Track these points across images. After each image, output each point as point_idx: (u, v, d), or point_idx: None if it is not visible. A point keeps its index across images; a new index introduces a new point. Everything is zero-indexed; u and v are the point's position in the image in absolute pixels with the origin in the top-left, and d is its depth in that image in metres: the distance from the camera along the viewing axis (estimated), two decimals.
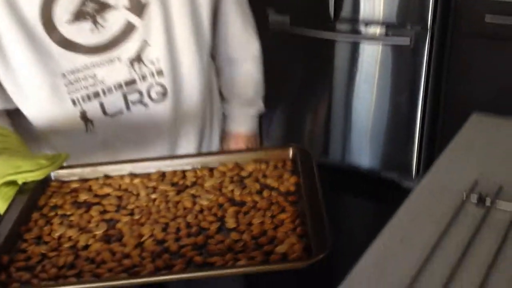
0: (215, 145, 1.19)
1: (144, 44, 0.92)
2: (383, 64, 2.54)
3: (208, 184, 0.79)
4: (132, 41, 0.91)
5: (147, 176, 0.82)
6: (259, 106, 1.25)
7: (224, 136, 1.24)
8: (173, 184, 0.80)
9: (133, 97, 0.96)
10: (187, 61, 0.99)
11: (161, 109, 0.99)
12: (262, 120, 3.07)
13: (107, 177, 0.82)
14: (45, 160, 0.77)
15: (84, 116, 0.93)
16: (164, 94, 0.98)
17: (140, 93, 0.96)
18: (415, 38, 2.39)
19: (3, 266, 0.64)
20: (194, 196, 0.77)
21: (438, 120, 2.58)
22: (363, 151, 2.76)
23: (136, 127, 0.98)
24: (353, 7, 2.50)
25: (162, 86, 0.97)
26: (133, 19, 0.90)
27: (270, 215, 0.72)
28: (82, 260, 0.66)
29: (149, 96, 0.97)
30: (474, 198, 0.94)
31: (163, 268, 0.63)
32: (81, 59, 0.89)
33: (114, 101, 0.94)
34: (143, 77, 0.95)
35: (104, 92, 0.92)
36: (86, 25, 0.87)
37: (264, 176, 0.81)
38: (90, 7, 0.86)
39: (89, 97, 0.92)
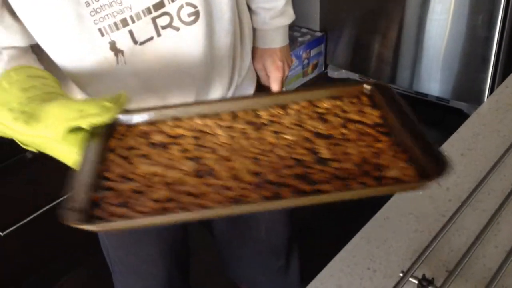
0: (247, 65, 1.11)
1: None
2: None
3: (286, 121, 0.74)
4: None
5: (218, 116, 0.77)
6: (290, 14, 1.17)
7: (256, 52, 1.17)
8: (249, 123, 0.75)
9: (163, 21, 0.89)
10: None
11: (194, 31, 0.91)
12: (328, 42, 2.98)
13: (175, 119, 0.77)
14: (108, 102, 0.70)
15: (113, 47, 0.87)
16: (195, 14, 0.90)
17: (170, 16, 0.89)
18: None
19: (96, 204, 0.61)
20: (275, 132, 0.72)
21: None
22: (433, 77, 2.63)
23: (168, 53, 0.92)
24: None
25: (193, 5, 0.89)
26: None
27: (365, 145, 0.67)
28: (179, 193, 0.61)
29: (180, 19, 0.90)
30: None
31: (271, 198, 0.59)
32: None
33: (143, 28, 0.88)
34: None
35: (132, 19, 0.86)
36: None
37: (344, 111, 0.75)
38: None
39: (116, 26, 0.85)
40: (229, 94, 1.04)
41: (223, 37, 0.97)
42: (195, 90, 0.97)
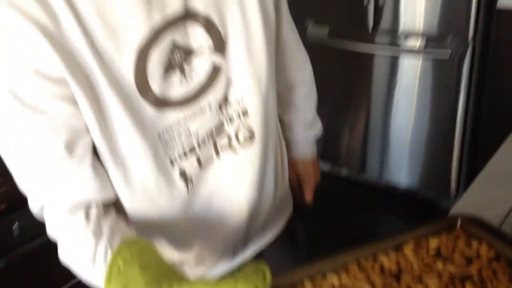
0: (286, 177, 1.13)
1: (228, 82, 0.88)
2: (422, 77, 2.45)
3: (415, 266, 0.79)
4: (219, 82, 0.87)
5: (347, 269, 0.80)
6: (319, 126, 1.23)
7: (289, 163, 1.17)
8: (383, 272, 0.80)
9: (222, 141, 0.91)
10: (271, 96, 0.96)
11: (250, 154, 0.94)
12: None
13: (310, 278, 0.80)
14: (259, 282, 0.66)
15: (184, 175, 0.88)
16: (251, 137, 0.93)
17: (229, 137, 0.91)
18: (455, 51, 2.30)
19: None
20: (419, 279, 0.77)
21: (479, 137, 2.47)
22: (401, 169, 2.67)
23: (226, 177, 0.93)
24: (393, 18, 2.44)
25: (249, 128, 0.93)
26: (217, 59, 0.86)
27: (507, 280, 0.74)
28: None
29: (238, 140, 0.92)
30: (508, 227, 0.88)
31: None
32: (173, 115, 0.84)
33: (207, 152, 0.90)
34: (230, 120, 0.91)
35: (199, 145, 0.88)
36: (175, 76, 0.83)
37: (454, 247, 0.82)
38: (178, 55, 0.82)
39: (185, 154, 0.87)
40: (273, 208, 1.06)
41: (273, 158, 1.00)
42: (246, 215, 0.98)
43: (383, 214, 2.67)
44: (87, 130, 0.80)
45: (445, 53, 2.32)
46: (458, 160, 2.47)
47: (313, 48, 2.61)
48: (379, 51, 2.53)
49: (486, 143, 2.44)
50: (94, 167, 0.81)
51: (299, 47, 1.13)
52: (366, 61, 2.59)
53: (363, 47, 2.54)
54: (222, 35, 0.86)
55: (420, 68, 2.44)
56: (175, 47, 0.82)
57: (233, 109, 0.90)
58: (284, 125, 1.18)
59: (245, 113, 0.91)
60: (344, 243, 0.82)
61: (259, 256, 1.06)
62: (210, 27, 0.84)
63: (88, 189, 0.81)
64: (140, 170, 0.85)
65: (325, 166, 2.97)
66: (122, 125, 0.80)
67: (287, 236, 1.12)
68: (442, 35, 2.32)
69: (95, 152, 0.82)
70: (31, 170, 0.79)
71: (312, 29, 2.65)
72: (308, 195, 1.21)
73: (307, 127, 1.20)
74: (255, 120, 0.93)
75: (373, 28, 2.49)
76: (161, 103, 0.82)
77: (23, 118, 0.75)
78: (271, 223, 1.07)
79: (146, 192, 0.87)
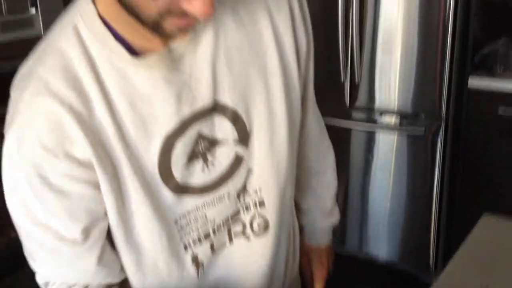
0: (297, 264, 1.12)
1: (248, 172, 0.90)
2: (398, 153, 2.53)
3: None
4: (240, 173, 0.89)
5: None
6: (337, 215, 1.21)
7: (303, 249, 1.18)
8: None
9: (236, 228, 0.92)
10: (289, 187, 0.97)
11: (263, 243, 0.95)
12: None
13: None
14: None
15: (195, 260, 0.89)
16: (266, 227, 0.94)
17: (244, 225, 0.93)
18: (429, 128, 2.40)
19: None
20: None
21: (454, 211, 2.54)
22: (380, 241, 2.71)
23: (238, 263, 0.94)
24: (369, 96, 2.54)
25: (264, 218, 0.94)
26: (240, 150, 0.88)
27: None
28: None
29: (252, 228, 0.93)
30: None
31: None
32: (192, 201, 0.86)
33: (221, 237, 0.91)
34: (247, 208, 0.92)
35: (214, 232, 0.89)
36: (198, 165, 0.84)
37: None
38: (202, 145, 0.84)
39: (200, 240, 0.88)
40: None
41: (285, 246, 1.01)
42: None
43: (363, 286, 2.68)
44: (105, 214, 0.81)
45: (419, 130, 2.41)
46: (435, 234, 2.53)
47: None
48: (356, 127, 2.61)
49: (461, 218, 2.51)
50: (103, 253, 0.82)
51: (323, 137, 1.14)
52: (344, 136, 2.67)
53: (341, 123, 2.62)
54: (247, 128, 0.87)
55: (396, 143, 2.52)
56: (200, 137, 0.84)
57: (250, 198, 0.91)
58: (300, 211, 1.18)
59: (261, 203, 0.92)
60: None
61: None
62: (236, 119, 0.86)
63: (92, 276, 0.82)
64: (153, 254, 0.85)
65: None
66: (140, 210, 0.81)
67: None
68: (416, 113, 2.42)
69: (108, 233, 0.83)
70: (41, 246, 0.80)
71: None
72: (319, 285, 1.19)
73: (324, 216, 1.19)
74: (270, 211, 0.93)
75: (350, 105, 2.59)
76: (182, 189, 0.84)
77: (44, 197, 0.76)
78: None
79: (156, 274, 0.87)
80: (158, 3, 0.68)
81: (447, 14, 2.26)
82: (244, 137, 0.87)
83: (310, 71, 0.99)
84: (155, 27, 0.73)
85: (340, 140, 2.68)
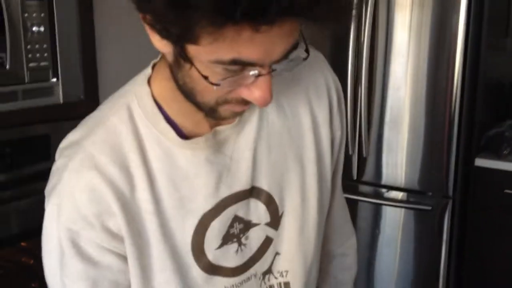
0: None
1: (275, 255, 0.91)
2: (405, 228, 2.55)
3: None
4: (267, 254, 0.90)
5: None
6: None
7: None
8: None
9: None
10: (314, 270, 0.97)
11: None
12: None
13: None
14: None
15: None
16: None
17: None
18: (436, 206, 2.42)
19: None
20: None
21: (462, 284, 2.53)
22: None
23: None
24: (376, 171, 2.58)
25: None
26: (271, 232, 0.89)
27: None
28: None
29: None
30: None
31: None
32: (221, 282, 0.86)
33: None
34: None
35: None
36: (232, 247, 0.86)
37: None
38: (237, 228, 0.85)
39: None
40: None
41: None
42: None
43: None
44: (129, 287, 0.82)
45: (426, 206, 2.44)
46: None
47: None
48: (363, 201, 2.64)
49: None
50: None
51: (347, 221, 1.14)
52: (351, 209, 2.67)
53: (348, 196, 2.63)
54: (279, 212, 0.89)
55: (403, 219, 2.54)
56: (236, 220, 0.85)
57: (275, 280, 0.92)
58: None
59: (287, 284, 0.93)
60: None
61: None
62: (270, 203, 0.88)
63: None
64: None
65: None
66: (167, 287, 0.82)
67: None
68: (423, 190, 2.45)
69: None
70: None
71: None
72: None
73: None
74: None
75: (357, 178, 2.62)
76: (213, 270, 0.85)
77: (73, 265, 0.78)
78: None
79: None
80: (218, 91, 0.70)
81: (454, 96, 2.33)
82: (275, 220, 0.89)
83: (340, 160, 1.02)
84: (210, 112, 0.75)
85: None
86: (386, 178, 2.55)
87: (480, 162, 2.42)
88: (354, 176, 2.62)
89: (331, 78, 0.96)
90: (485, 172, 2.41)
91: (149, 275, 0.81)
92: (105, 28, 2.27)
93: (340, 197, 1.09)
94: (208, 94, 0.71)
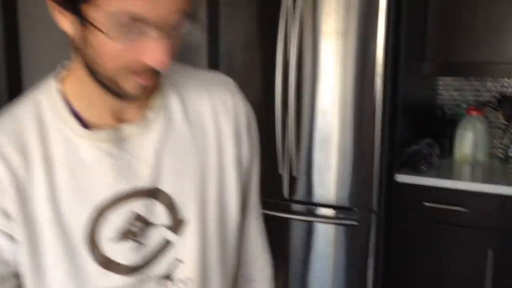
0: None
1: (177, 262, 0.91)
2: (336, 243, 2.69)
3: None
4: (166, 259, 0.90)
5: None
6: None
7: None
8: None
9: None
10: (216, 283, 0.97)
11: None
12: None
13: None
14: None
15: None
16: None
17: None
18: (363, 221, 2.58)
19: None
20: None
21: None
22: None
23: None
24: (307, 190, 2.71)
25: None
26: (171, 237, 0.90)
27: None
28: None
29: None
30: None
31: None
32: (115, 280, 0.86)
33: None
34: None
35: None
36: (129, 245, 0.86)
37: None
38: (137, 226, 0.86)
39: None
40: None
41: None
42: None
43: None
44: (17, 274, 0.84)
45: (353, 222, 2.59)
46: None
47: None
48: (295, 218, 2.76)
49: None
50: None
51: (264, 249, 1.15)
52: (283, 227, 2.80)
53: (280, 214, 2.76)
54: (181, 217, 0.90)
55: (333, 235, 2.68)
56: (136, 217, 0.86)
57: (177, 287, 0.92)
58: None
59: None
60: None
61: None
62: (172, 207, 0.89)
63: None
64: None
65: None
66: (56, 272, 0.84)
67: None
68: (350, 206, 2.61)
69: None
70: None
71: None
72: None
73: None
74: None
75: (289, 197, 2.75)
76: (107, 264, 0.86)
77: None
78: None
79: None
80: (120, 58, 0.75)
81: (376, 117, 2.50)
82: (176, 225, 0.90)
83: (253, 181, 1.06)
84: (115, 88, 0.80)
85: (279, 231, 2.82)
86: (316, 196, 2.69)
87: (401, 178, 2.61)
88: (285, 195, 2.74)
89: (242, 104, 1.01)
90: (406, 187, 2.60)
91: (40, 259, 0.83)
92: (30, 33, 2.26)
93: (257, 220, 1.13)
94: (111, 61, 0.76)
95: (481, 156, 2.86)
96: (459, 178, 2.63)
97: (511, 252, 2.44)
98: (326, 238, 2.72)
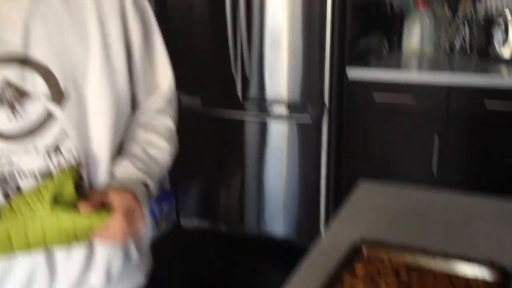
0: None
1: (63, 134, 0.92)
2: (289, 140, 2.78)
3: None
4: (50, 131, 0.91)
5: None
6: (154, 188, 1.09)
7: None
8: None
9: None
10: (103, 153, 0.98)
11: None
12: (178, 195, 3.19)
13: None
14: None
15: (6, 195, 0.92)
16: (80, 185, 0.95)
17: None
18: (315, 117, 2.65)
19: None
20: None
21: (341, 187, 2.83)
22: (277, 221, 2.95)
23: None
24: (260, 88, 2.75)
25: (80, 177, 0.95)
26: (53, 108, 0.90)
27: None
28: None
29: None
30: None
31: None
32: None
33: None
34: (60, 167, 0.93)
35: (20, 176, 0.91)
36: (3, 111, 0.87)
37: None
38: (9, 93, 0.87)
39: (5, 180, 0.91)
40: None
41: None
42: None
43: (264, 265, 2.89)
44: None
45: (306, 118, 2.67)
46: (325, 209, 2.81)
47: (187, 116, 2.88)
48: (249, 118, 2.82)
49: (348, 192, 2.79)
50: None
51: (167, 121, 1.12)
52: (238, 126, 2.87)
53: (234, 114, 2.82)
54: (62, 88, 0.90)
55: (287, 131, 2.76)
56: (6, 84, 0.87)
57: (64, 158, 0.93)
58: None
59: (79, 164, 0.94)
60: None
61: None
62: (48, 77, 0.89)
63: None
64: None
65: (205, 224, 3.17)
66: None
67: None
68: (303, 103, 2.67)
69: None
70: None
71: (185, 99, 2.89)
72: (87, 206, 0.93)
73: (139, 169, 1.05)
74: (86, 171, 0.96)
75: (242, 97, 2.79)
76: None
77: None
78: None
79: None
80: None
81: (326, 14, 2.52)
82: (57, 96, 0.90)
83: (155, 53, 1.06)
84: None
85: (235, 131, 2.88)
86: (269, 95, 2.74)
87: (351, 72, 2.67)
88: (239, 95, 2.78)
89: None
90: (356, 81, 2.67)
91: None
92: None
93: (160, 101, 1.10)
94: None
95: (428, 49, 2.94)
96: (407, 69, 2.71)
97: (454, 137, 2.58)
98: (280, 136, 2.80)
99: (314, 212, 2.83)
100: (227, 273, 2.75)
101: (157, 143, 1.09)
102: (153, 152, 1.07)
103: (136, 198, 0.96)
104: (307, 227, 2.88)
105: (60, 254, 0.96)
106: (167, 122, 1.12)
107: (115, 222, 0.90)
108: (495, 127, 2.51)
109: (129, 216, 0.92)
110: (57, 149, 0.92)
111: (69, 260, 0.97)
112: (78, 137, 0.93)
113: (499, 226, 1.29)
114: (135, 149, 1.05)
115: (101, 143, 0.97)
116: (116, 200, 0.92)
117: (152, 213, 3.06)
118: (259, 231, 3.01)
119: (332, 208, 2.82)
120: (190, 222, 3.22)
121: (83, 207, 0.87)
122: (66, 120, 0.91)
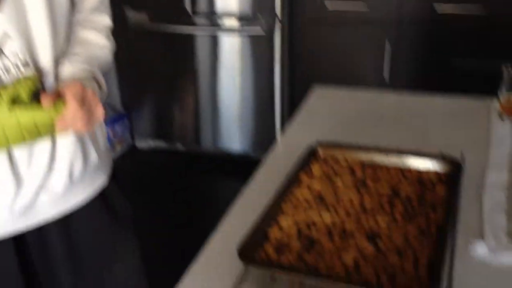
0: None
1: (5, 36, 0.90)
2: (242, 53, 2.74)
3: None
4: None
5: None
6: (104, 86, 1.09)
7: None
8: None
9: None
10: (47, 55, 0.97)
11: None
12: (132, 116, 3.15)
13: None
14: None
15: None
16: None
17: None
18: (267, 28, 2.61)
19: None
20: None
21: (295, 98, 2.83)
22: (233, 136, 2.95)
23: None
24: (209, 1, 2.67)
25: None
26: None
27: None
28: None
29: None
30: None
31: None
32: None
33: None
34: (7, 70, 0.92)
35: None
36: None
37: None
38: None
39: None
40: None
41: None
42: None
43: (222, 180, 2.92)
44: None
45: (258, 30, 2.62)
46: (280, 120, 2.82)
47: (135, 34, 2.80)
48: (200, 32, 2.75)
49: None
50: None
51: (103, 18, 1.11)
52: (189, 42, 2.80)
53: (184, 29, 2.74)
54: None
55: (239, 44, 2.71)
56: None
57: (9, 61, 0.91)
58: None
59: (25, 64, 0.93)
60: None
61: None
62: None
63: None
64: None
65: (160, 144, 3.16)
66: None
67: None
68: (254, 15, 2.61)
69: None
70: None
71: (132, 15, 2.79)
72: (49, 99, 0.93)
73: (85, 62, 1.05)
74: (33, 70, 0.94)
75: (192, 10, 2.71)
76: None
77: None
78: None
79: None
80: None
81: None
82: None
83: None
84: None
85: (186, 46, 2.81)
86: (219, 7, 2.67)
87: None
88: (188, 9, 2.70)
89: None
90: None
91: None
92: None
93: (99, 15, 1.10)
94: None
95: None
96: None
97: (405, 43, 2.59)
98: (232, 49, 2.75)
99: (269, 125, 2.84)
100: (186, 191, 2.77)
101: (97, 40, 1.09)
102: (94, 48, 1.08)
103: (86, 87, 0.95)
104: (263, 140, 2.90)
105: (23, 160, 0.96)
106: (105, 19, 1.12)
107: (70, 109, 0.90)
108: (444, 30, 2.53)
109: (84, 104, 0.92)
110: (0, 52, 0.90)
111: (32, 165, 0.97)
112: (20, 38, 0.92)
113: (448, 122, 1.32)
114: (76, 47, 1.05)
115: (44, 44, 0.96)
116: (67, 91, 0.91)
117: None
118: (215, 147, 3.01)
119: (287, 120, 2.83)
120: (145, 143, 3.20)
121: (45, 99, 0.87)
122: (5, 21, 0.89)
